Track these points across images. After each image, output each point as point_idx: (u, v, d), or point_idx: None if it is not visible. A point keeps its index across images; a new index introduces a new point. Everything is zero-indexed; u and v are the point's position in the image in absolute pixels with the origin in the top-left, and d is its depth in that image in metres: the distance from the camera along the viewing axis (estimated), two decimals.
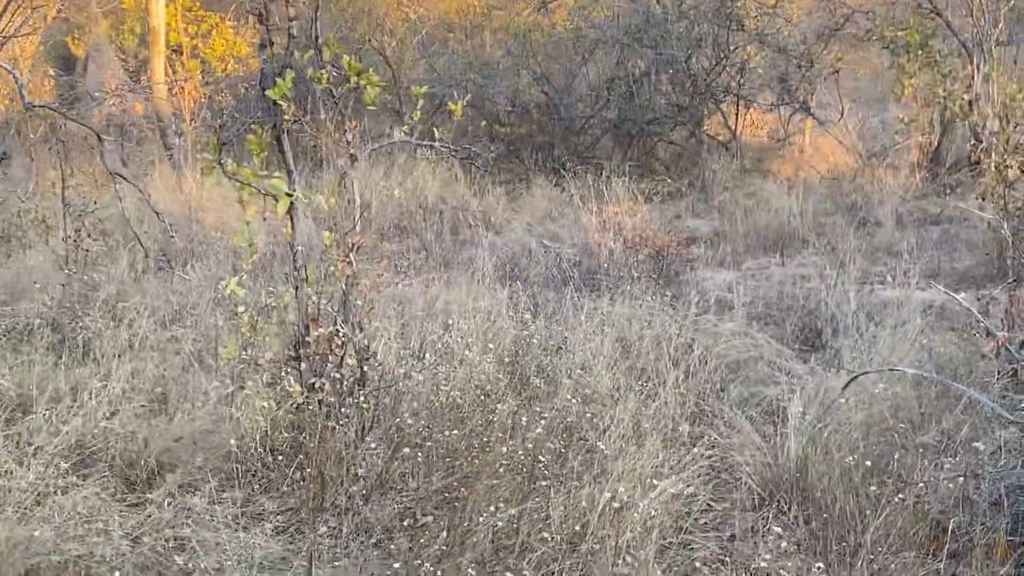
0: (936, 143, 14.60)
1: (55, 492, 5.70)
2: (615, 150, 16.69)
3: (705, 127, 16.35)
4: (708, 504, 5.96)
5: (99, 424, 6.35)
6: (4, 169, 12.55)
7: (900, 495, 5.24)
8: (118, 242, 10.69)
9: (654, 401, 6.73)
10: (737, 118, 16.35)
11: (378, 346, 7.09)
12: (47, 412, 6.48)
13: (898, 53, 15.40)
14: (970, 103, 13.46)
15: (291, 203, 6.21)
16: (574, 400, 6.50)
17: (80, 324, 8.14)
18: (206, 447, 6.12)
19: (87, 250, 8.77)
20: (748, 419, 6.70)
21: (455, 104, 7.28)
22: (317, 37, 6.57)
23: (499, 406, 6.34)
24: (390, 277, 10.25)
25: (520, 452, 5.77)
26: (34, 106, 5.40)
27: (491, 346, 7.44)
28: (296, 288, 6.35)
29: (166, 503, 5.64)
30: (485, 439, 5.99)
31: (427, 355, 7.24)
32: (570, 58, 17.12)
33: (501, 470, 5.65)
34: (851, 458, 5.69)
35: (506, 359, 7.42)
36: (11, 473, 5.76)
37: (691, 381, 7.36)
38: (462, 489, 5.62)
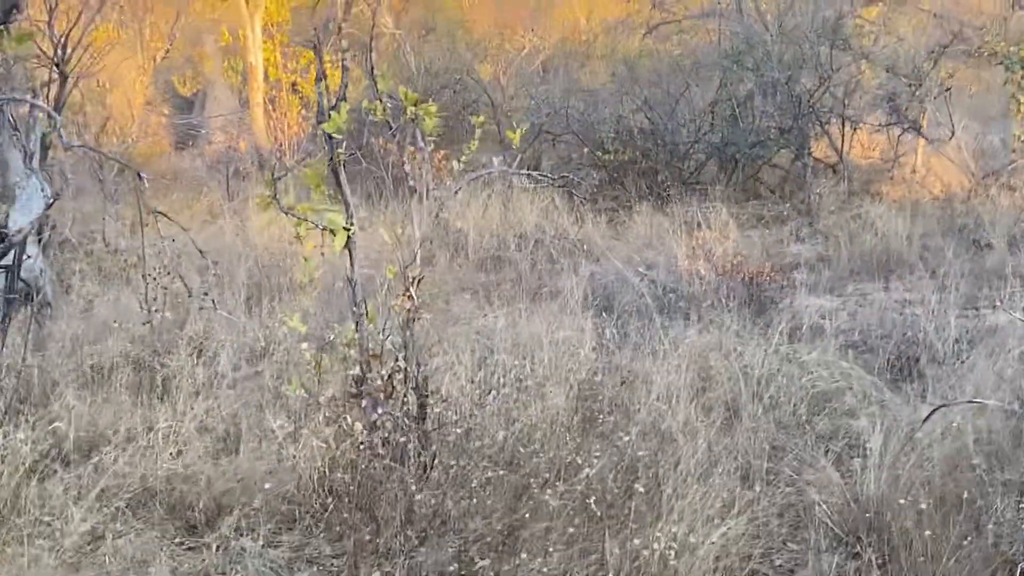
0: None
1: (111, 536, 5.67)
2: (720, 175, 16.38)
3: (811, 150, 15.93)
4: (783, 543, 5.70)
5: (162, 465, 6.31)
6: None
7: (972, 536, 4.94)
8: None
9: (728, 436, 6.49)
10: (843, 140, 15.92)
11: (446, 381, 6.95)
12: (113, 453, 6.46)
13: (1012, 69, 14.85)
14: None
15: (348, 237, 6.09)
16: (631, 437, 6.27)
17: (160, 362, 8.13)
18: (266, 488, 6.01)
19: (166, 288, 8.78)
20: (830, 453, 6.42)
21: (513, 133, 6.95)
22: (372, 68, 6.45)
23: (560, 444, 6.15)
24: (477, 308, 10.09)
25: (578, 491, 5.57)
26: (72, 146, 5.37)
27: (568, 379, 7.25)
28: (356, 324, 6.24)
29: (218, 547, 5.55)
30: (544, 478, 5.81)
31: (496, 390, 7.04)
32: (673, 83, 16.85)
33: (557, 511, 5.46)
34: (928, 499, 5.38)
35: (579, 392, 7.21)
36: (68, 515, 5.74)
37: (775, 413, 7.10)
38: (521, 530, 5.45)
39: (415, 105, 6.25)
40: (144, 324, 8.49)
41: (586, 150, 16.51)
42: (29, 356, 7.98)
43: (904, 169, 16.06)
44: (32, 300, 9.28)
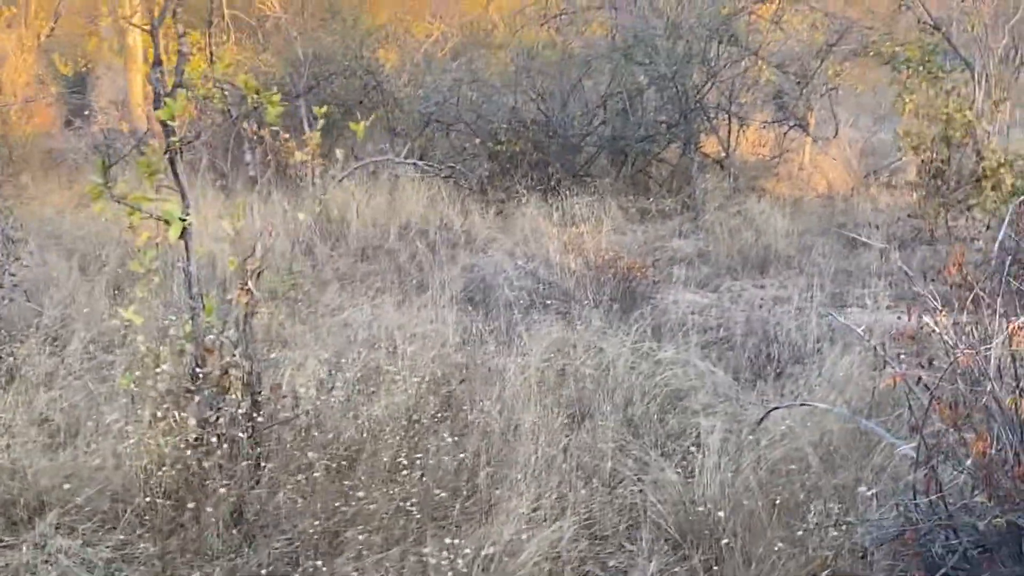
0: (937, 160, 14.16)
1: None
2: (610, 168, 16.37)
3: (699, 145, 15.97)
4: (620, 545, 5.66)
5: None
6: None
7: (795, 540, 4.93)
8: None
9: (574, 435, 6.45)
10: (730, 135, 15.99)
11: (296, 375, 6.83)
12: None
13: (898, 69, 15.02)
14: (970, 121, 13.13)
15: (185, 228, 5.93)
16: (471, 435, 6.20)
17: (7, 351, 7.90)
18: (93, 485, 5.83)
19: (13, 274, 8.55)
20: (675, 454, 6.41)
21: (357, 124, 6.81)
22: (212, 52, 6.28)
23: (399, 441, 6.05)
24: (349, 299, 9.97)
25: (407, 491, 5.49)
26: None
27: (422, 374, 7.16)
28: (192, 317, 6.08)
29: (34, 545, 5.37)
30: (377, 477, 5.71)
31: (342, 385, 6.93)
32: (567, 75, 16.79)
33: (383, 511, 5.37)
34: (759, 501, 5.38)
35: (429, 388, 7.12)
36: None
37: (627, 411, 7.06)
38: (347, 531, 5.35)
39: (256, 93, 6.09)
40: None
41: (478, 140, 16.40)
42: None
43: (791, 166, 16.18)
44: None
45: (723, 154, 16.02)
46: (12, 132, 17.17)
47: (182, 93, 5.89)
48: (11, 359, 7.76)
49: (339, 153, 7.15)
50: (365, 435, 6.27)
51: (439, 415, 6.71)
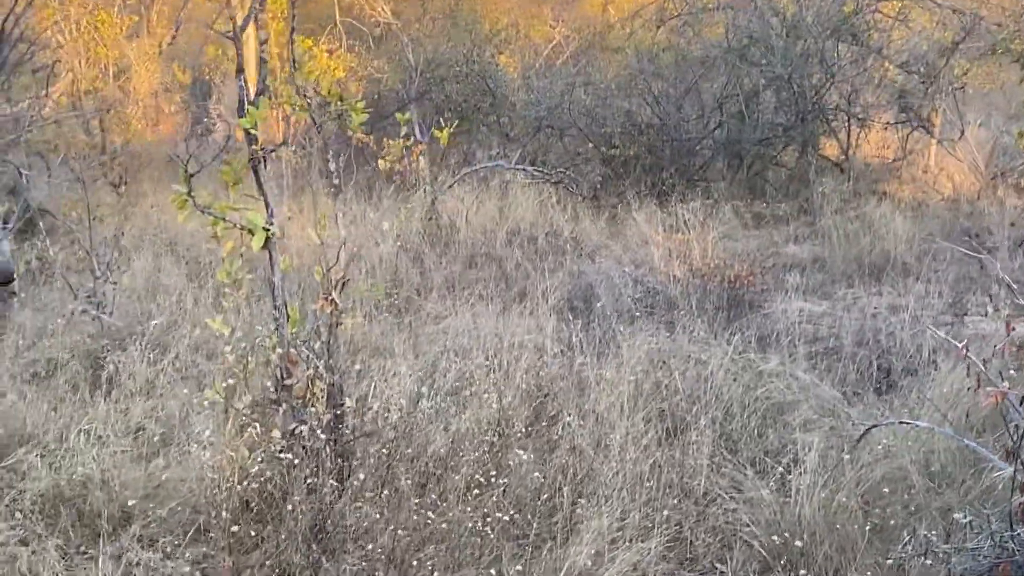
0: None
1: (12, 544, 5.48)
2: (725, 172, 16.06)
3: (818, 147, 15.57)
4: (712, 565, 5.46)
5: (77, 468, 6.11)
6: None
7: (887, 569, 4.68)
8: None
9: (668, 449, 6.25)
10: (849, 137, 15.57)
11: (386, 385, 6.74)
12: (34, 453, 6.29)
13: None
14: None
15: (268, 237, 5.85)
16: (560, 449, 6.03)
17: (110, 358, 7.95)
18: (177, 497, 5.80)
19: (115, 282, 8.63)
20: (772, 470, 6.16)
21: (440, 131, 6.68)
22: (294, 60, 6.21)
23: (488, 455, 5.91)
24: (452, 307, 9.87)
25: (492, 509, 5.34)
26: None
27: (518, 384, 7.02)
28: (277, 327, 6.01)
29: (117, 558, 5.35)
30: (459, 492, 5.58)
31: (433, 397, 6.81)
32: (682, 77, 16.55)
33: (465, 527, 5.24)
34: (856, 523, 5.13)
35: (523, 399, 6.97)
36: None
37: (726, 425, 6.83)
38: (428, 547, 5.23)
39: (340, 100, 5.99)
40: (92, 319, 8.35)
41: (591, 145, 16.23)
42: None
43: (914, 169, 15.68)
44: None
45: (842, 157, 15.59)
46: (136, 140, 17.46)
47: (264, 100, 5.82)
48: (112, 367, 7.80)
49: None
50: (451, 449, 6.13)
51: (528, 428, 6.54)
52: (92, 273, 8.95)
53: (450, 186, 14.31)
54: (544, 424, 6.59)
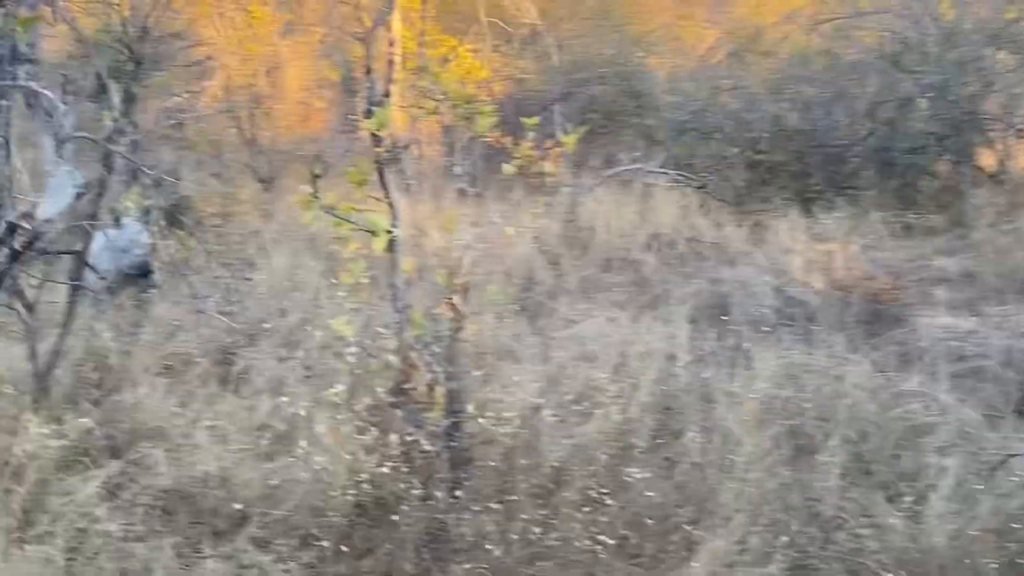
0: None
1: (132, 539, 5.51)
2: (875, 181, 15.57)
3: (973, 158, 15.02)
4: None
5: (197, 466, 6.14)
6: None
7: None
8: None
9: (796, 470, 6.03)
10: (1007, 148, 14.99)
11: (502, 393, 6.64)
12: (158, 448, 6.34)
13: None
14: None
15: (391, 239, 5.81)
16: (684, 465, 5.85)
17: (241, 354, 7.99)
18: (293, 499, 5.77)
19: (249, 278, 8.69)
20: (904, 497, 5.90)
21: (566, 137, 6.55)
22: (424, 65, 6.15)
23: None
24: (584, 312, 9.73)
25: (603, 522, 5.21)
26: (70, 137, 5.23)
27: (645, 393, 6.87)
28: (399, 331, 5.97)
29: (226, 558, 5.34)
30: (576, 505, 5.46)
31: (554, 406, 6.68)
32: (833, 83, 16.12)
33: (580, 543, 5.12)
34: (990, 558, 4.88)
35: (650, 409, 6.82)
36: (94, 515, 5.60)
37: (859, 446, 6.58)
38: (541, 561, 5.12)
39: (468, 104, 5.92)
40: (225, 315, 8.42)
41: (737, 149, 15.91)
42: (116, 341, 7.97)
43: None
44: (140, 281, 9.32)
45: (999, 168, 15.03)
46: (284, 136, 17.64)
47: (390, 102, 5.78)
48: (242, 363, 7.84)
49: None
50: (571, 459, 6.01)
51: (652, 441, 6.38)
52: (227, 269, 9.04)
53: (590, 188, 14.17)
54: (667, 439, 6.42)
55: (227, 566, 5.28)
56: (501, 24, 18.16)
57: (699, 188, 14.29)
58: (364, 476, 5.69)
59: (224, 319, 8.44)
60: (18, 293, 6.95)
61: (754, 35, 20.18)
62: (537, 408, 6.58)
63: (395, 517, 5.46)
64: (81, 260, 7.16)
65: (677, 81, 17.53)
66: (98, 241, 9.42)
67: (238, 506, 5.76)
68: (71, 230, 7.10)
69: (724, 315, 9.61)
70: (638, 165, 15.08)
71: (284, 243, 12.12)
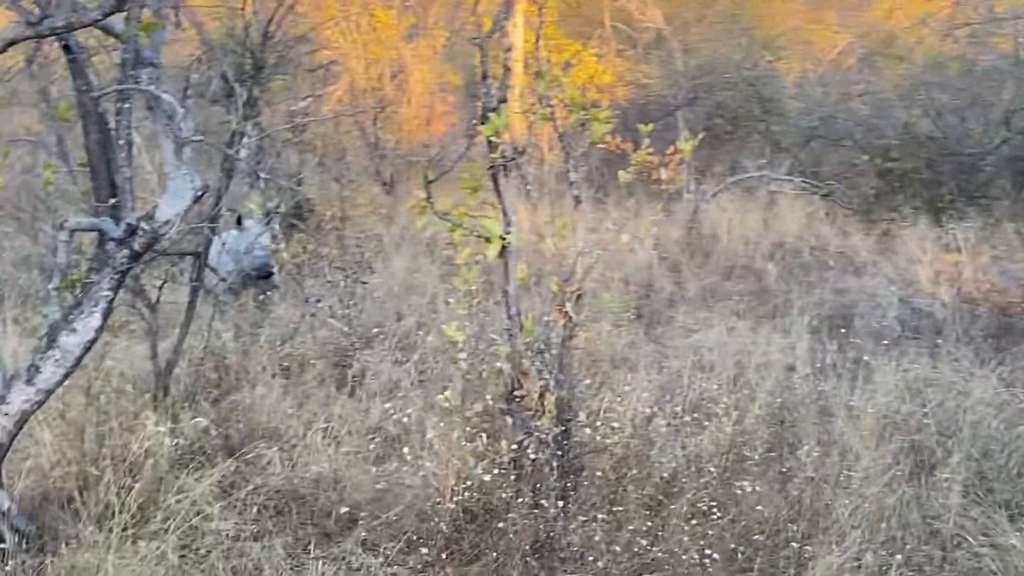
0: None
1: (244, 539, 5.56)
2: (1010, 190, 15.15)
3: None
4: None
5: (311, 467, 6.18)
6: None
7: None
8: None
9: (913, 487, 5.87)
10: None
11: (614, 402, 6.57)
12: (273, 449, 6.40)
13: None
14: None
15: (504, 246, 5.78)
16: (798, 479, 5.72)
17: (357, 357, 8.04)
18: (402, 502, 5.77)
19: (365, 282, 8.74)
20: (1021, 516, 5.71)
21: (685, 144, 6.44)
22: (539, 70, 6.11)
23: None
24: (703, 320, 9.61)
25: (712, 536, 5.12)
26: (191, 140, 5.29)
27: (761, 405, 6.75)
28: (510, 337, 5.93)
29: (335, 559, 5.36)
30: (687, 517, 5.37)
31: (667, 415, 6.59)
32: (968, 90, 15.73)
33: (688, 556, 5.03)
34: None
35: (765, 420, 6.70)
36: (208, 514, 5.66)
37: (983, 464, 6.38)
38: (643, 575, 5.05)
39: (584, 110, 5.85)
40: (341, 317, 8.49)
41: (866, 157, 15.60)
42: (235, 341, 8.08)
43: None
44: (261, 282, 9.44)
45: None
46: (408, 140, 17.75)
47: (505, 108, 5.75)
48: (357, 366, 7.89)
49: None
50: (682, 470, 5.92)
51: (766, 454, 6.26)
52: (345, 272, 9.10)
53: (714, 195, 14.02)
54: (782, 452, 6.30)
55: (336, 568, 5.28)
56: (625, 28, 18.08)
57: (825, 196, 14.06)
58: (473, 482, 5.66)
59: (341, 322, 8.50)
60: (140, 293, 7.09)
61: (887, 40, 19.82)
62: (649, 418, 6.49)
63: (502, 524, 5.41)
64: (201, 261, 7.25)
65: (805, 86, 17.23)
66: (221, 243, 9.60)
67: (348, 509, 5.78)
68: (194, 232, 7.23)
69: (847, 326, 9.41)
70: (763, 172, 14.89)
71: (404, 247, 12.22)
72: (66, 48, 5.00)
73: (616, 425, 6.26)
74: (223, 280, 8.58)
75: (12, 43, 4.39)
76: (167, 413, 6.65)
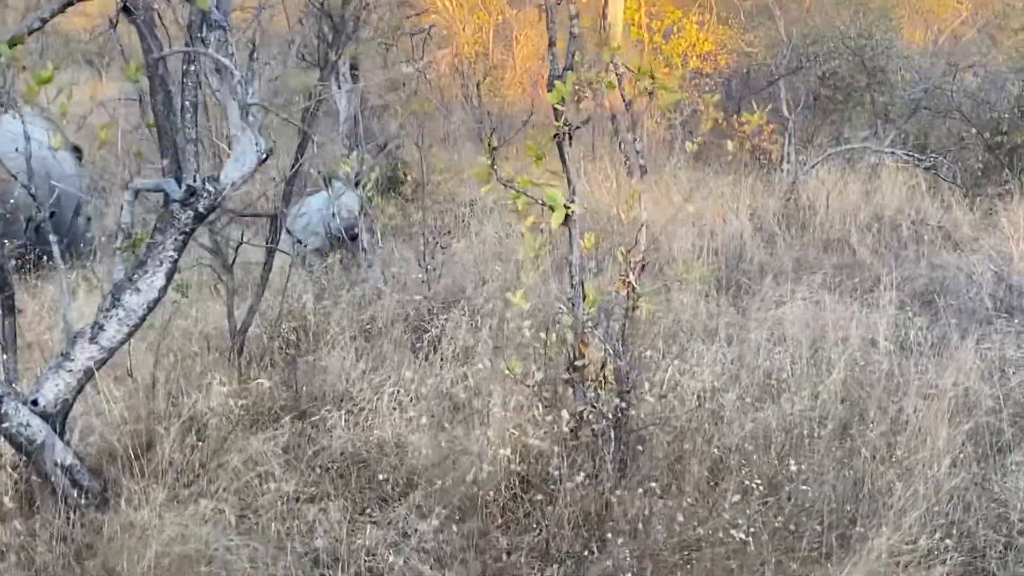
0: None
1: (302, 500, 5.62)
2: None
3: None
4: None
5: (374, 432, 6.22)
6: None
7: None
8: None
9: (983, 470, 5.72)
10: None
11: (679, 373, 6.50)
12: (339, 412, 6.44)
13: None
14: None
15: (568, 215, 5.73)
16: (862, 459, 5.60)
17: (434, 322, 8.05)
18: (459, 469, 5.77)
19: (444, 247, 8.75)
20: None
21: (751, 115, 6.32)
22: (607, 37, 6.02)
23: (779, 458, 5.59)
24: (789, 292, 9.44)
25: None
26: (252, 104, 5.33)
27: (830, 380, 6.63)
28: (572, 307, 5.90)
29: (391, 523, 5.40)
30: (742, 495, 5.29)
31: (733, 389, 6.50)
32: None
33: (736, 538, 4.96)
34: None
35: (837, 397, 6.57)
36: (272, 477, 5.73)
37: None
38: (700, 551, 5.00)
39: (652, 78, 5.76)
40: (422, 282, 8.52)
41: (975, 130, 15.18)
42: (316, 303, 8.15)
43: None
44: (348, 244, 9.53)
45: None
46: (512, 105, 17.74)
47: (571, 75, 5.69)
48: (434, 331, 7.90)
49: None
50: (743, 445, 5.84)
51: (834, 431, 6.14)
52: (434, 235, 9.13)
53: (813, 166, 13.77)
54: (850, 429, 6.18)
55: (388, 532, 5.31)
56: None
57: (929, 169, 13.71)
58: (530, 451, 5.64)
59: (424, 285, 8.53)
60: (217, 254, 7.18)
61: (1004, 10, 19.29)
62: (716, 390, 6.41)
63: (558, 494, 5.39)
64: (278, 224, 7.31)
65: (915, 57, 16.82)
66: (311, 204, 9.70)
67: (406, 474, 5.80)
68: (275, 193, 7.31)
69: (936, 302, 9.20)
70: (866, 143, 14.59)
71: (498, 212, 12.20)
72: (126, 10, 5.05)
73: (683, 396, 6.20)
74: (298, 242, 8.66)
75: (69, 4, 4.45)
76: (239, 373, 6.74)
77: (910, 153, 14.08)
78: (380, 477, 5.80)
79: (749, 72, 16.59)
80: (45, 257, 8.54)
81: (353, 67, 12.19)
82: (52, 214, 6.76)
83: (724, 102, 15.16)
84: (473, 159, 14.81)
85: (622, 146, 12.23)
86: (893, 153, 13.98)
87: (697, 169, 14.04)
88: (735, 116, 13.82)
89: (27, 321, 7.44)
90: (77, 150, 10.72)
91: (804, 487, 5.39)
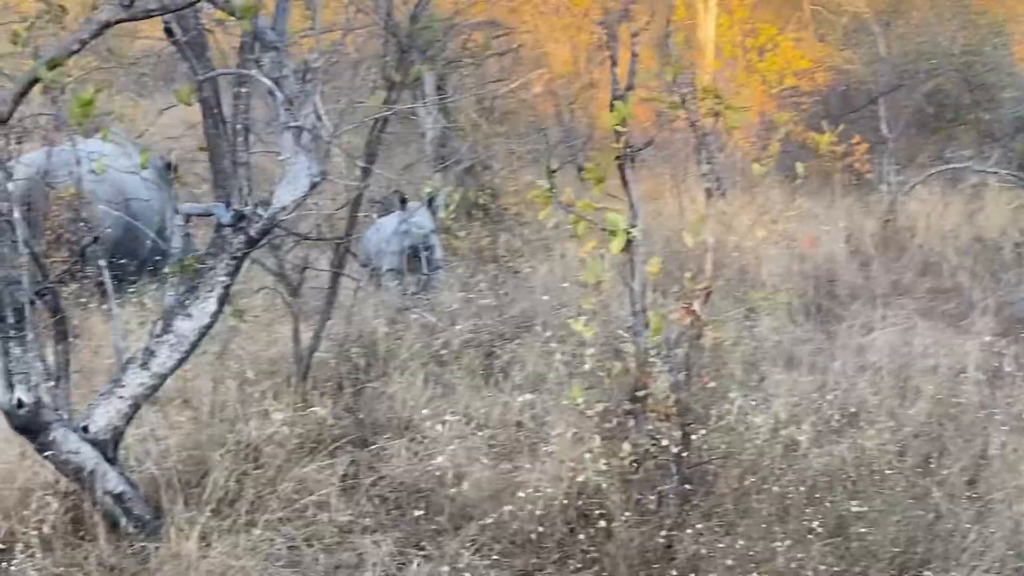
0: None
1: (358, 531, 5.48)
2: None
3: None
4: None
5: (431, 461, 6.04)
6: None
7: None
8: None
9: None
10: None
11: (748, 406, 6.24)
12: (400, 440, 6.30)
13: None
14: None
15: (630, 240, 5.51)
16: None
17: (505, 347, 7.87)
18: (517, 502, 5.57)
19: (517, 271, 8.58)
20: None
21: (820, 136, 6.05)
22: (634, 52, 5.80)
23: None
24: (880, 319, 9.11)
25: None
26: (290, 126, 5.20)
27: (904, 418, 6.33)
28: (635, 335, 5.67)
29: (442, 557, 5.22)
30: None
31: (808, 423, 6.21)
32: None
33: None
34: None
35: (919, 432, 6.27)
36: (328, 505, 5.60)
37: None
38: None
39: (717, 98, 5.53)
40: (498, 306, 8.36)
41: None
42: (386, 327, 8.02)
43: None
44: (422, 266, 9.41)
45: None
46: (603, 126, 17.44)
47: (632, 96, 5.49)
48: (506, 356, 7.72)
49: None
50: (815, 482, 5.57)
51: (912, 467, 5.83)
52: (510, 259, 8.99)
53: (913, 186, 13.39)
54: (930, 465, 5.87)
55: (439, 566, 5.14)
56: (825, 12, 17.39)
57: None
58: (591, 484, 5.43)
59: (497, 310, 8.38)
60: (282, 278, 7.10)
61: None
62: (789, 423, 6.14)
63: (617, 529, 5.17)
64: (343, 248, 7.21)
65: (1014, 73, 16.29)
66: (386, 225, 9.61)
67: (463, 505, 5.63)
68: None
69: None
70: (969, 163, 14.15)
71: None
72: (168, 31, 4.97)
73: (753, 429, 5.95)
74: (364, 265, 8.56)
75: (107, 25, 4.35)
76: (302, 398, 6.62)
77: (1014, 173, 13.62)
78: (436, 509, 5.63)
79: (848, 89, 16.21)
80: (121, 282, 8.51)
81: (440, 87, 12.11)
82: (96, 239, 6.69)
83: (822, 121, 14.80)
84: (566, 180, 14.61)
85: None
86: (997, 173, 13.54)
87: (791, 190, 13.70)
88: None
89: (95, 345, 7.40)
90: (170, 167, 10.72)
91: (870, 528, 5.10)
